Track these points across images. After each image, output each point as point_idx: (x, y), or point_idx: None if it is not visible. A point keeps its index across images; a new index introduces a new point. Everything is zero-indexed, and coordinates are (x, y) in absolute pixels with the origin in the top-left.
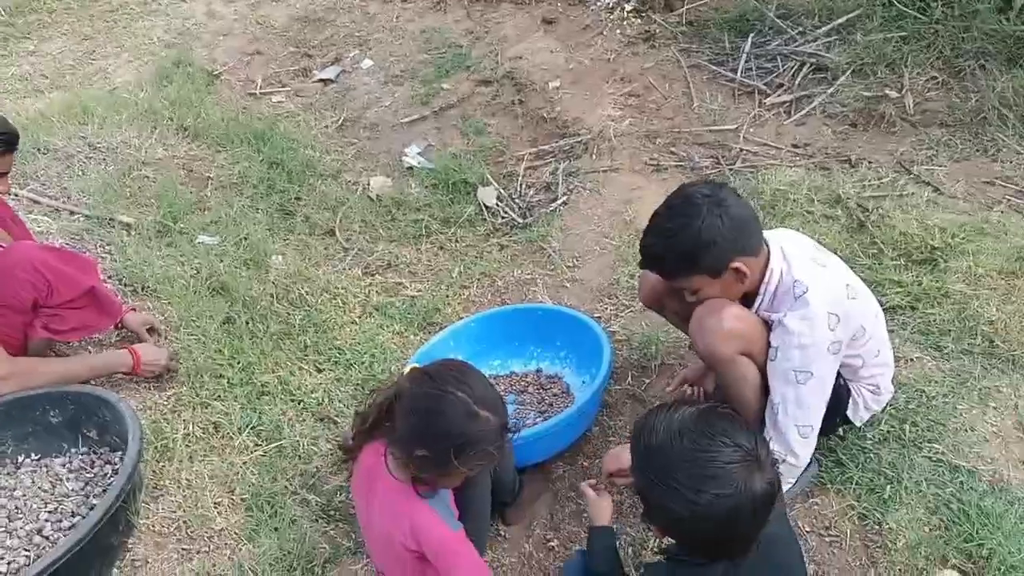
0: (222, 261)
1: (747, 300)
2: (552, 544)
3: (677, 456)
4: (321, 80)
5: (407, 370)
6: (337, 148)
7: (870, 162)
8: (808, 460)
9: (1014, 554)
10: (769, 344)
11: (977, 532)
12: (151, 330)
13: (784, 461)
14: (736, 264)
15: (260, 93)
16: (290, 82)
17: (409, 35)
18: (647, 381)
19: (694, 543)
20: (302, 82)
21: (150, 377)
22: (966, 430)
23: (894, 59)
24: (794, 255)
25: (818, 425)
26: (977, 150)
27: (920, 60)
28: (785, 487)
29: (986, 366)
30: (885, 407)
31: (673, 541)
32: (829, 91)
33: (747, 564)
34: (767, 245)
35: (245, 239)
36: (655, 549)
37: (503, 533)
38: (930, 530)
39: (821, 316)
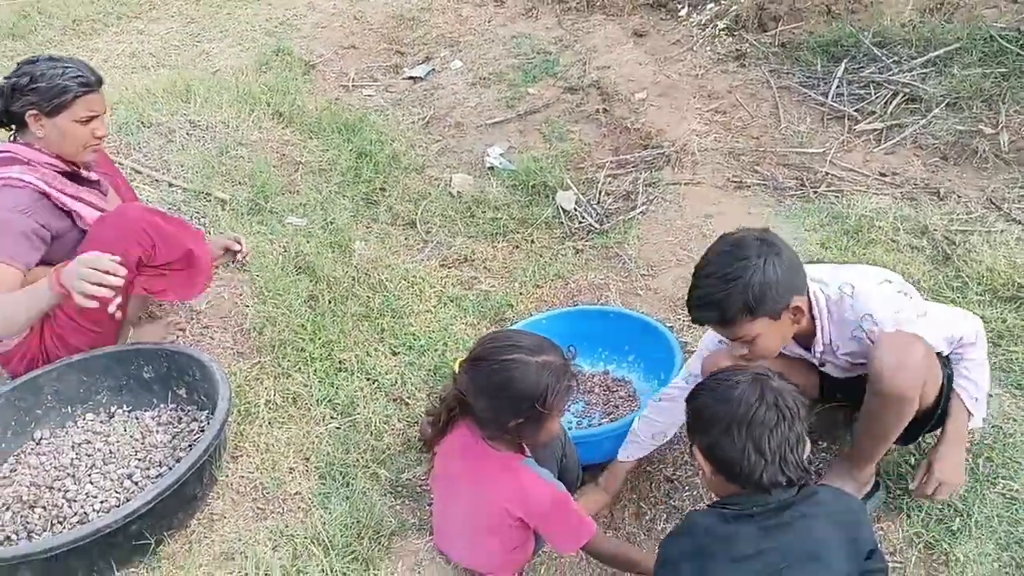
0: (308, 242)
1: (803, 340)
2: None
3: (706, 384)
4: (411, 77)
5: (456, 366)
6: (422, 144)
7: (959, 196)
8: (973, 329)
9: None
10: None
11: None
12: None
13: (976, 400)
14: (796, 303)
15: (352, 86)
16: (381, 77)
17: (499, 39)
18: None
19: (725, 455)
20: (392, 78)
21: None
22: None
23: (991, 94)
24: (816, 272)
25: (979, 327)
26: None
27: (1019, 97)
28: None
29: None
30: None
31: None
32: (922, 122)
33: (778, 533)
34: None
35: (331, 223)
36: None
37: None
38: (1000, 567)
39: (878, 284)
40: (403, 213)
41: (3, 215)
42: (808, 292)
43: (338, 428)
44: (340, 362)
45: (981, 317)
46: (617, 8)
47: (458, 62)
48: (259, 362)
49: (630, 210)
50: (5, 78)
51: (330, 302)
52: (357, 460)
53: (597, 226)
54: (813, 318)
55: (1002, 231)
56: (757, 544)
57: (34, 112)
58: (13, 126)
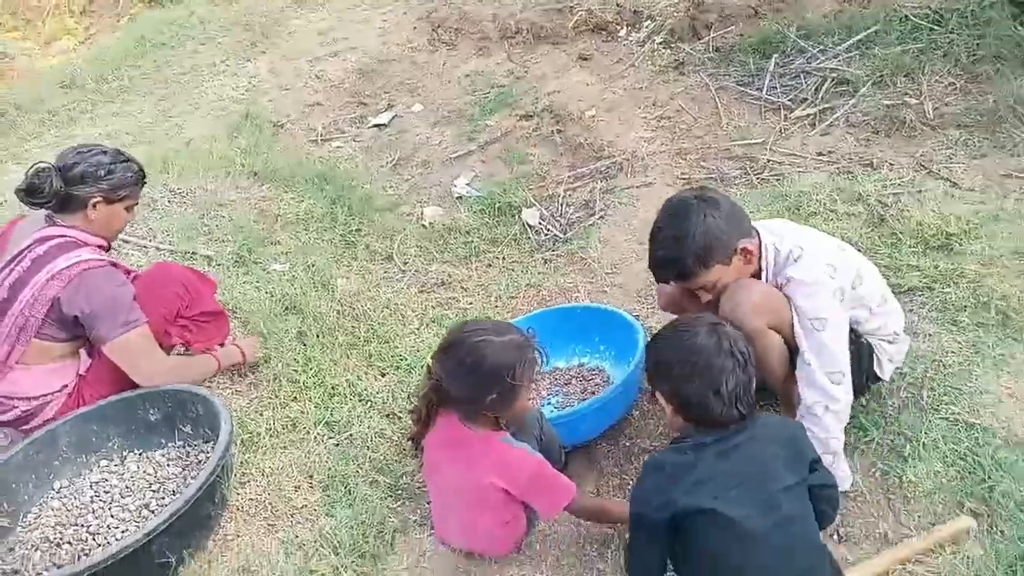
0: (292, 284)
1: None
2: None
3: (666, 332)
4: (376, 125)
5: (430, 360)
6: (392, 184)
7: (891, 164)
8: (847, 404)
9: (1022, 494)
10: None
11: (990, 478)
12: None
13: (827, 409)
14: (743, 245)
15: (321, 140)
16: (348, 128)
17: (455, 80)
18: None
19: (684, 399)
20: (359, 128)
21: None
22: (981, 393)
23: (912, 69)
24: (780, 230)
25: (847, 372)
26: (994, 146)
27: (937, 68)
28: (835, 434)
29: (1000, 336)
30: (906, 371)
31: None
32: (851, 102)
33: (730, 456)
34: (756, 230)
35: (312, 265)
36: None
37: None
38: (947, 480)
39: (819, 266)
40: (380, 249)
41: (119, 290)
42: (760, 238)
43: (336, 445)
44: (333, 388)
45: (915, 267)
46: (561, 37)
47: (419, 105)
48: (257, 396)
49: (590, 217)
50: (63, 165)
51: (318, 336)
52: (356, 471)
53: (562, 235)
54: (762, 267)
55: (930, 189)
56: (713, 468)
57: (99, 199)
58: (50, 205)
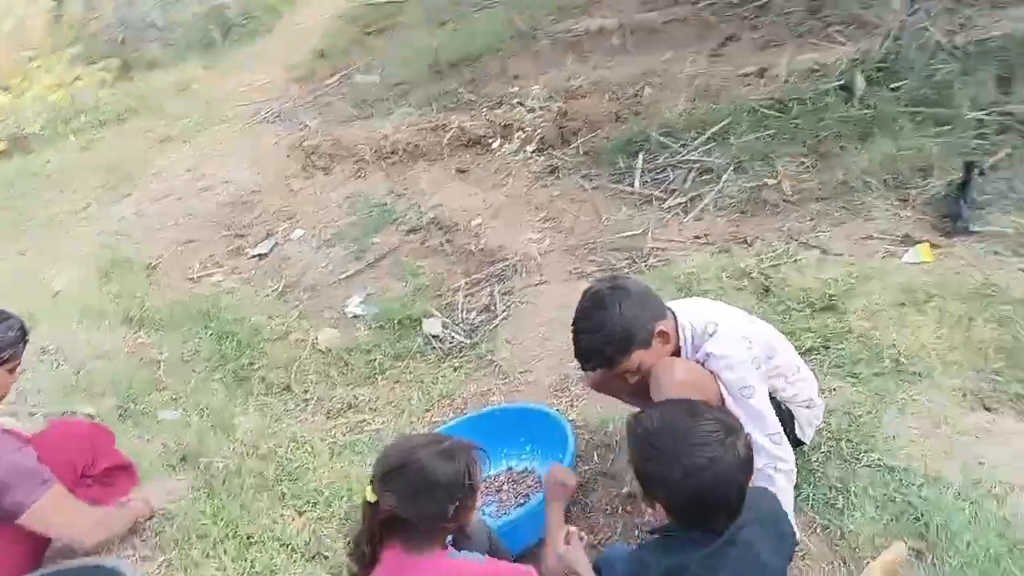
0: (187, 431)
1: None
2: None
3: (670, 432)
4: (256, 255)
5: (369, 493)
6: (281, 313)
7: (763, 239)
8: (793, 462)
9: (955, 524)
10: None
11: (922, 515)
12: None
13: (777, 470)
14: (659, 328)
15: (198, 277)
16: (227, 262)
17: (334, 203)
18: (611, 457)
19: (686, 509)
20: (237, 260)
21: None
22: (893, 437)
23: (766, 154)
24: (692, 308)
25: (783, 432)
26: (851, 214)
27: (788, 151)
28: (788, 494)
29: (897, 382)
30: (823, 426)
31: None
32: (717, 188)
33: (723, 553)
34: (670, 310)
35: (206, 408)
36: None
37: None
38: (884, 524)
39: (736, 337)
40: (277, 380)
41: (19, 455)
42: (676, 319)
43: None
44: (248, 536)
45: (807, 328)
46: (437, 153)
47: (299, 231)
48: (166, 559)
49: (493, 320)
50: None
51: (224, 482)
52: None
53: (467, 341)
54: (680, 345)
55: (804, 258)
56: (703, 570)
57: None
58: None
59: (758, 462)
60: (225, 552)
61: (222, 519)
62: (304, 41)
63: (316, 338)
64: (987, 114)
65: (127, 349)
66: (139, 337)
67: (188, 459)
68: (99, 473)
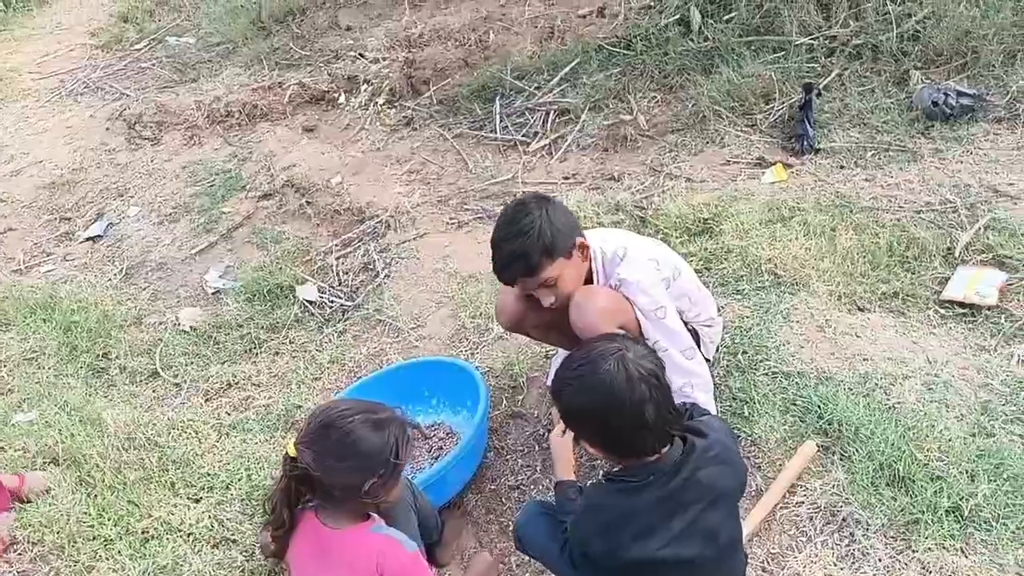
0: (49, 432)
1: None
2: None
3: (570, 363)
4: (89, 238)
5: (288, 452)
6: (129, 296)
7: (630, 174)
8: (708, 374)
9: (854, 417)
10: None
11: (823, 414)
12: None
13: (694, 387)
14: (581, 240)
15: (26, 268)
16: (56, 249)
17: (170, 174)
18: (520, 397)
19: (606, 435)
20: (69, 246)
21: None
22: (784, 344)
23: (618, 90)
24: (602, 234)
25: (694, 345)
26: (706, 142)
27: (639, 86)
28: (711, 407)
29: (779, 293)
30: (722, 341)
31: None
32: (576, 128)
33: (676, 492)
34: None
35: (66, 405)
36: None
37: (441, 573)
38: (790, 427)
39: (644, 261)
40: (140, 367)
41: None
42: (589, 244)
43: None
44: (144, 531)
45: (688, 253)
46: (278, 113)
47: (135, 208)
48: (52, 568)
49: (375, 278)
50: None
51: (103, 479)
52: None
53: (349, 303)
54: (592, 270)
55: (672, 187)
56: (657, 516)
57: None
58: None
59: (676, 381)
60: (120, 552)
61: (109, 518)
62: (100, 6)
63: (176, 318)
64: (814, 39)
65: None
66: None
67: (59, 461)
68: None
